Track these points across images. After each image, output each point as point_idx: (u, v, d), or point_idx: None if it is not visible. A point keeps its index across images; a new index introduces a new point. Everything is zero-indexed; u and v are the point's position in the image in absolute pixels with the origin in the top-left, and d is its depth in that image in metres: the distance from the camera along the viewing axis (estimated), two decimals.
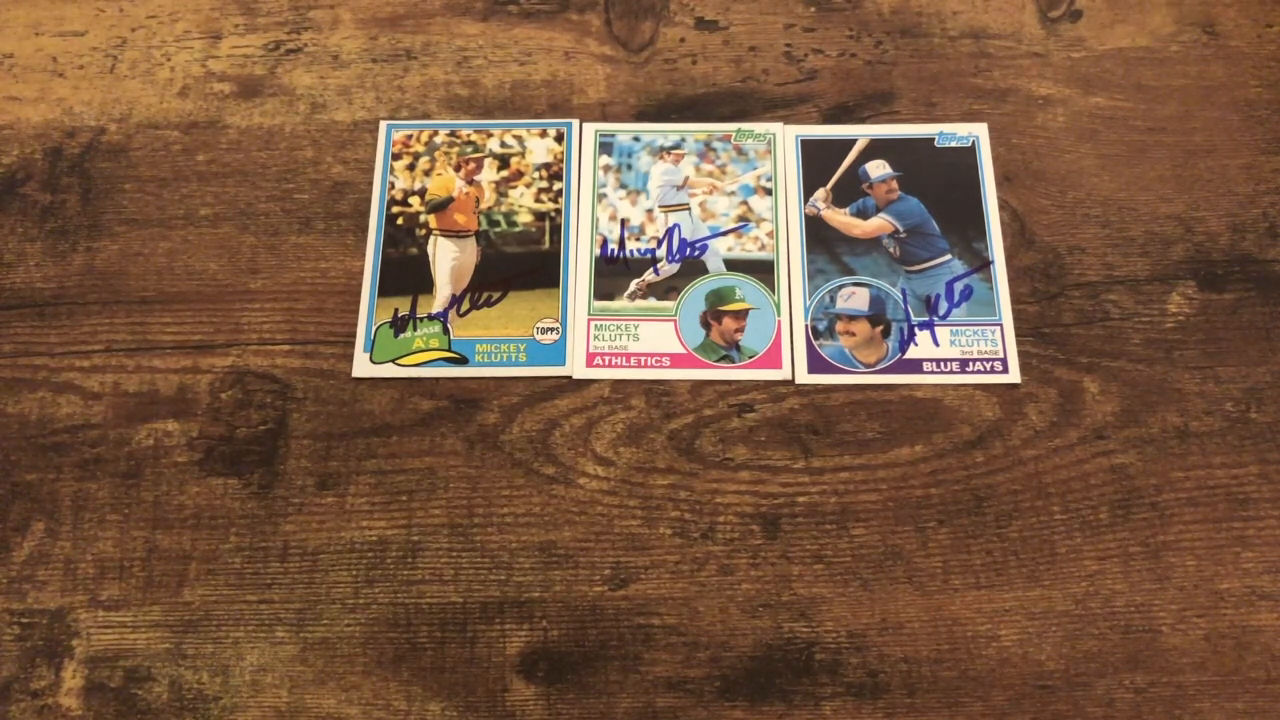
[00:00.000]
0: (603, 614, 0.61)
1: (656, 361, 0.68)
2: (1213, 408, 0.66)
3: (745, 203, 0.73)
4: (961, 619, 0.61)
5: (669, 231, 0.72)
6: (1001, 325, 0.68)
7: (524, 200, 0.73)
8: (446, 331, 0.69)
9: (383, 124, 0.75)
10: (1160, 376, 0.67)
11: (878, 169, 0.73)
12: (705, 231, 0.72)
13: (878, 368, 0.67)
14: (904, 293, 0.69)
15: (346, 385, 0.67)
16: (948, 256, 0.70)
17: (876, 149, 0.74)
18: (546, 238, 0.72)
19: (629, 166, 0.74)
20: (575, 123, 0.75)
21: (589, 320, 0.69)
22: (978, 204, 0.72)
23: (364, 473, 0.65)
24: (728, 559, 0.63)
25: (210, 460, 0.65)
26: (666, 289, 0.70)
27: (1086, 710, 0.59)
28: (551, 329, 0.69)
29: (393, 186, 0.73)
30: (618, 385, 0.67)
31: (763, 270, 0.70)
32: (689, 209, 0.73)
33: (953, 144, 0.74)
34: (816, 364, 0.68)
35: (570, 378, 0.67)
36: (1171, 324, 0.68)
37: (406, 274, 0.71)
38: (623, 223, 0.72)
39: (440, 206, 0.73)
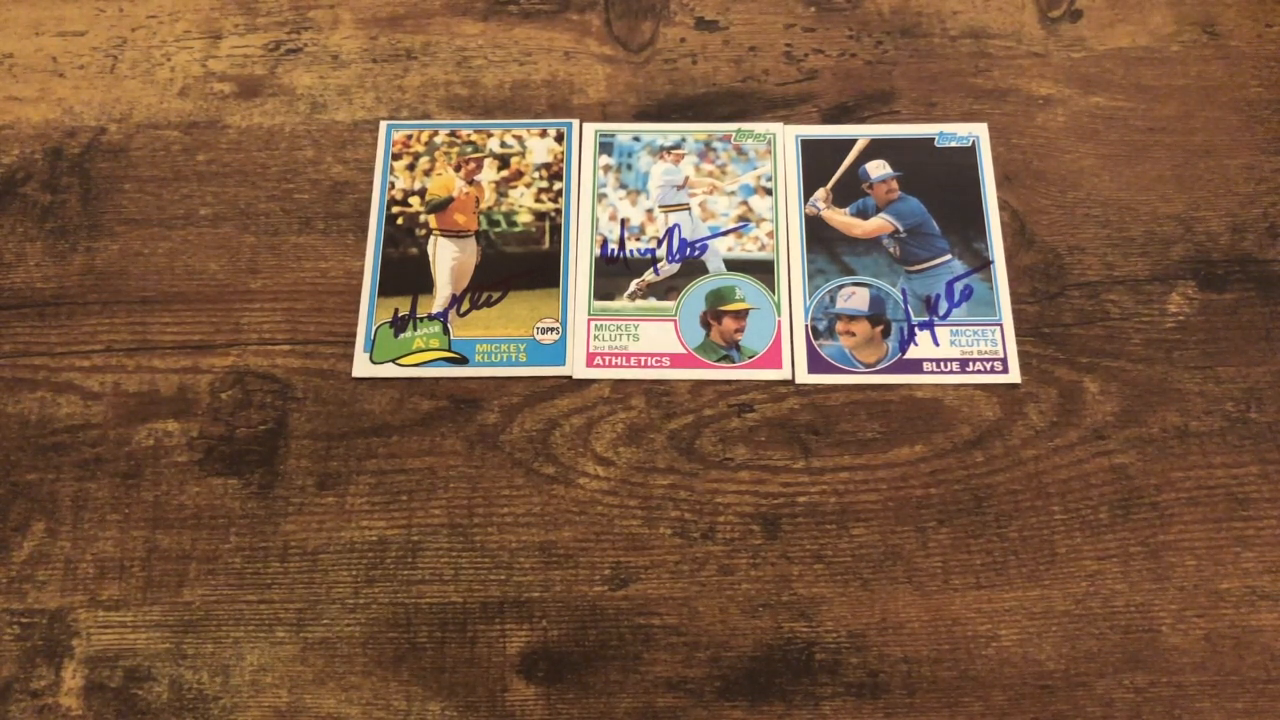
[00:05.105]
0: (603, 614, 0.61)
1: (656, 361, 0.68)
2: (1213, 408, 0.66)
3: (745, 203, 0.73)
4: (961, 619, 0.61)
5: (669, 231, 0.72)
6: (1001, 325, 0.68)
7: (524, 200, 0.73)
8: (446, 331, 0.69)
9: (383, 124, 0.75)
10: (1160, 376, 0.67)
11: (878, 169, 0.73)
12: (705, 231, 0.72)
13: (878, 368, 0.67)
14: (904, 293, 0.69)
15: (346, 385, 0.67)
16: (948, 256, 0.70)
17: (876, 149, 0.74)
18: (546, 238, 0.72)
19: (629, 166, 0.74)
20: (575, 123, 0.75)
21: (589, 320, 0.69)
22: (978, 204, 0.72)
23: (364, 473, 0.65)
24: (728, 559, 0.62)
25: (210, 460, 0.65)
26: (666, 289, 0.70)
27: (1086, 710, 0.59)
28: (551, 329, 0.69)
29: (393, 186, 0.73)
30: (618, 385, 0.67)
31: (763, 270, 0.70)
32: (689, 209, 0.73)
33: (953, 144, 0.74)
34: (816, 364, 0.68)
35: (570, 378, 0.67)
36: (1171, 324, 0.68)
37: (406, 274, 0.70)
38: (623, 223, 0.72)
39: (440, 206, 0.73)
